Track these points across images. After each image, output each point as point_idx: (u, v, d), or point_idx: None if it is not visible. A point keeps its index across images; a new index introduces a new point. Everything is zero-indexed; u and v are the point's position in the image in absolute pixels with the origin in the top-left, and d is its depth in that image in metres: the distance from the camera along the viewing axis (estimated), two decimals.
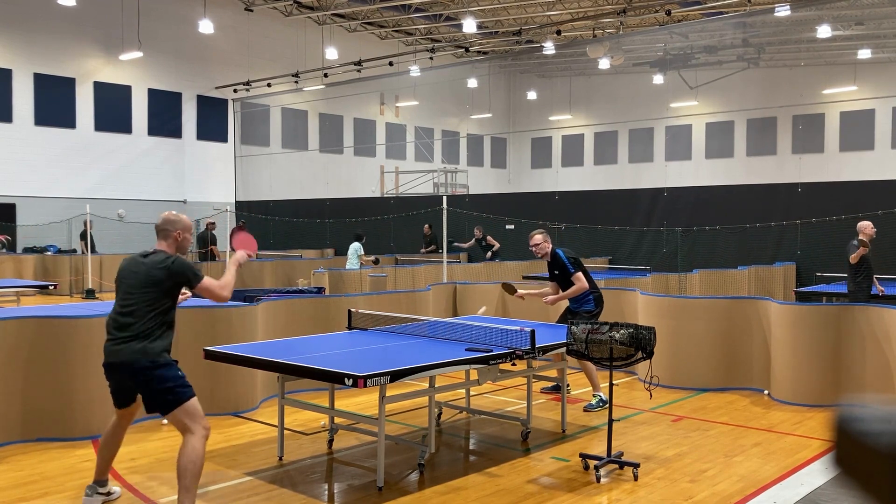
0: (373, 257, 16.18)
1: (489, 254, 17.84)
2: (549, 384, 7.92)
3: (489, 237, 18.09)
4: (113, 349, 4.49)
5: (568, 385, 8.08)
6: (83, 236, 19.92)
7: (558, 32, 23.55)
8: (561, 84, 35.42)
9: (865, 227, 10.27)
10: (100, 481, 4.85)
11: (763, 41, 27.92)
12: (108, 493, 4.90)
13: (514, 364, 5.93)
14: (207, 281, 4.66)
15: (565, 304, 7.81)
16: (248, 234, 5.50)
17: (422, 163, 33.05)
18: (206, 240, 18.74)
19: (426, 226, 19.12)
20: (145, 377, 4.42)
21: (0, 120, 22.06)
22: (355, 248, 16.00)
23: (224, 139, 27.41)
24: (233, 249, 5.29)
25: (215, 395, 6.95)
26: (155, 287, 4.52)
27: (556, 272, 7.61)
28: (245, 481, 5.26)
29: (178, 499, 4.38)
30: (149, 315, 4.48)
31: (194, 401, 4.46)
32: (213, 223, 18.99)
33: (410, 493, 5.04)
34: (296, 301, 8.22)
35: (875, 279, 10.28)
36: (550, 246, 7.65)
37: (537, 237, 7.68)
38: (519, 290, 7.99)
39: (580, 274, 7.48)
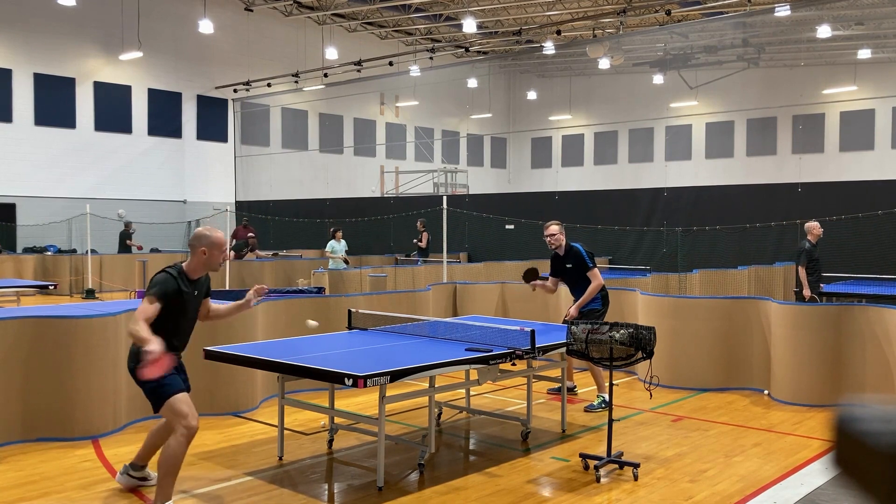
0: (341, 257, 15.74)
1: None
2: (554, 385, 7.67)
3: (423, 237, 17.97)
4: None
5: (575, 386, 8.08)
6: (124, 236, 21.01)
7: (558, 32, 23.55)
8: (561, 84, 35.42)
9: (813, 227, 10.57)
10: (134, 465, 5.05)
11: (763, 41, 27.91)
12: (144, 479, 5.07)
13: (514, 364, 5.92)
14: (140, 306, 4.57)
15: (567, 302, 7.73)
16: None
17: (422, 163, 33.05)
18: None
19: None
20: (133, 375, 4.60)
21: (0, 120, 22.07)
22: (344, 245, 15.65)
23: (224, 139, 27.40)
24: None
25: (215, 395, 6.95)
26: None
27: (569, 266, 7.43)
28: (245, 481, 5.25)
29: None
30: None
31: (177, 398, 4.54)
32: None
33: (410, 493, 5.04)
34: (296, 301, 8.22)
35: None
36: (565, 239, 7.50)
37: (554, 227, 7.48)
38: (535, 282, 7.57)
39: (597, 271, 7.37)
